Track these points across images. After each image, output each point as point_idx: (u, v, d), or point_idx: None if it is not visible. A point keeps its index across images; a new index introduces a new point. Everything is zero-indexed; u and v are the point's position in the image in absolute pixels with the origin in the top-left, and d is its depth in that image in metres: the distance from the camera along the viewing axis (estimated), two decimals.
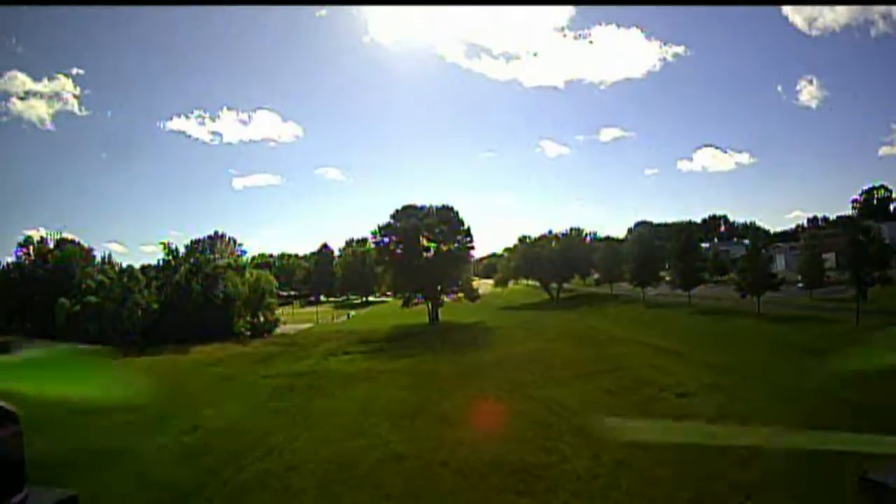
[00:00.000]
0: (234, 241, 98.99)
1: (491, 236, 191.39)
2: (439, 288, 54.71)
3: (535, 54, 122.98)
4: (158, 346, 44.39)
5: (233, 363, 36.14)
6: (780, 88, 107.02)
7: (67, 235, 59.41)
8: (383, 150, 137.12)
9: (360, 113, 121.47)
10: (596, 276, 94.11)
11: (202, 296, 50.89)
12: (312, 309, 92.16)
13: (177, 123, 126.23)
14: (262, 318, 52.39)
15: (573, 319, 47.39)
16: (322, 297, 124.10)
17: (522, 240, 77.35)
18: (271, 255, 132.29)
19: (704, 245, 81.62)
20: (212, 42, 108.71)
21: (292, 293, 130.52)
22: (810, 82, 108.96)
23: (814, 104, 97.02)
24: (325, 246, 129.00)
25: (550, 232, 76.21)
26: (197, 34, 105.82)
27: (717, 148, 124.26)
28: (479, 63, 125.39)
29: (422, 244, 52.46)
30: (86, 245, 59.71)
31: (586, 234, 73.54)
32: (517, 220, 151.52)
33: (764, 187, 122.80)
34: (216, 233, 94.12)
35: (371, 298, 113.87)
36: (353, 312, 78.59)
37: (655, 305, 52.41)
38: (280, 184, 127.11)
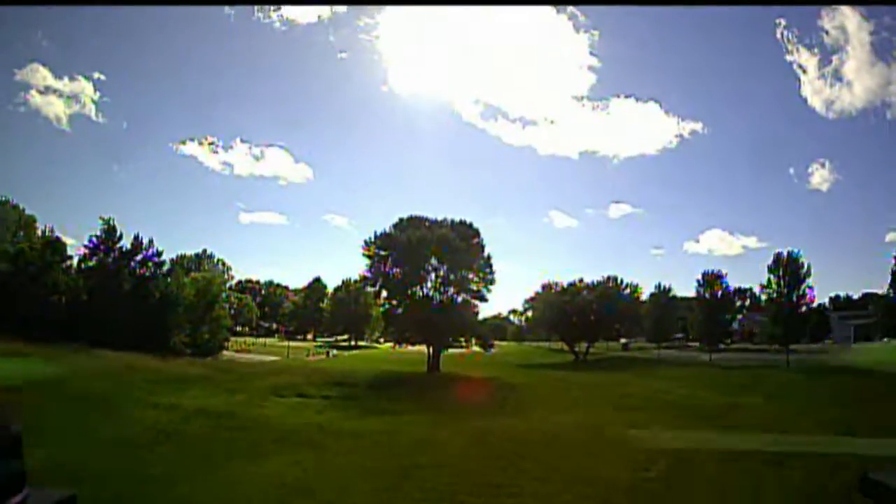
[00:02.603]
0: (224, 263, 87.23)
1: (491, 305, 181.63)
2: (447, 328, 41.65)
3: (551, 122, 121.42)
4: (69, 343, 31.80)
5: (122, 380, 23.08)
6: (792, 171, 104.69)
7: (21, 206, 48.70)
8: (390, 202, 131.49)
9: (371, 161, 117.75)
10: (623, 340, 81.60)
11: (135, 290, 38.42)
12: (292, 344, 78.57)
13: (189, 148, 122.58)
14: (206, 335, 39.11)
15: (625, 382, 33.91)
16: (308, 336, 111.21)
17: (547, 287, 64.51)
18: (257, 282, 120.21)
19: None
20: (233, 71, 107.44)
21: (276, 326, 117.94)
22: (822, 165, 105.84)
23: (825, 188, 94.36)
24: (317, 280, 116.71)
25: (581, 280, 63.56)
26: (220, 60, 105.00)
27: (724, 230, 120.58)
28: (494, 125, 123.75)
29: (429, 263, 39.89)
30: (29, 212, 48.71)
31: (626, 285, 60.43)
32: (520, 290, 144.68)
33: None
34: (204, 251, 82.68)
35: (361, 343, 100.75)
36: (335, 352, 65.11)
37: (729, 367, 39.14)
38: (286, 224, 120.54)
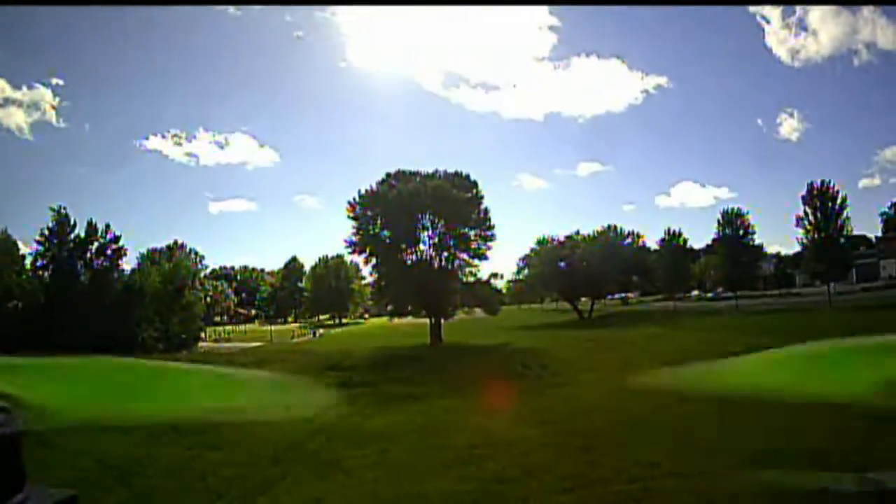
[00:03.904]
0: (196, 253, 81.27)
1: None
2: (449, 294, 37.14)
3: (514, 85, 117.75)
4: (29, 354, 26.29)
5: None
6: (760, 121, 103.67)
7: None
8: (360, 179, 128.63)
9: (337, 140, 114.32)
10: (621, 294, 79.25)
11: (93, 283, 32.99)
12: (274, 328, 73.47)
13: (153, 142, 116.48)
14: (176, 326, 33.77)
15: (659, 336, 30.30)
16: (290, 319, 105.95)
17: (542, 242, 60.24)
18: (232, 268, 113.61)
19: None
20: (190, 60, 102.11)
21: (255, 312, 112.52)
22: (791, 115, 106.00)
23: (794, 137, 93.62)
24: (293, 259, 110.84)
25: (578, 232, 59.71)
26: (176, 51, 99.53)
27: (695, 182, 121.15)
28: (457, 93, 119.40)
29: (425, 221, 34.90)
30: None
31: (628, 233, 56.76)
32: (495, 255, 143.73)
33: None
34: (175, 241, 76.51)
35: (346, 320, 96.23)
36: (321, 330, 60.33)
37: (755, 313, 36.28)
38: (256, 210, 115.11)
